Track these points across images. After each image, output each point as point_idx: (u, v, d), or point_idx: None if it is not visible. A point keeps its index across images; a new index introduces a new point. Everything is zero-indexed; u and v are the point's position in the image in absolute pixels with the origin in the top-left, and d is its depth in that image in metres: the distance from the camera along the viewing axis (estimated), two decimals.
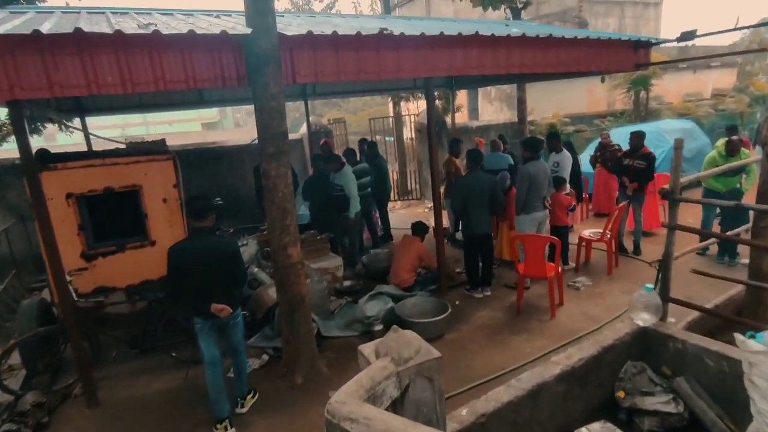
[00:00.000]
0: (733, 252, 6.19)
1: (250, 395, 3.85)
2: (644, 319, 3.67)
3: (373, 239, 7.79)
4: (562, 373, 3.09)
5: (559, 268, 5.01)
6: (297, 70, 4.05)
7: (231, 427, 3.49)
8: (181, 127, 30.80)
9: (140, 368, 4.45)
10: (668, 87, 18.05)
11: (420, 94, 12.81)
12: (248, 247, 6.17)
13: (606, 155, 8.33)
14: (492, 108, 16.47)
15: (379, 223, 8.39)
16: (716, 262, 6.25)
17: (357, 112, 31.73)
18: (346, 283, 6.06)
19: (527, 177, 5.38)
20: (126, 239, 4.49)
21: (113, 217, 4.42)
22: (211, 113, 34.45)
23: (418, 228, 5.89)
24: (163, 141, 4.69)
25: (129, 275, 4.46)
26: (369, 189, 7.50)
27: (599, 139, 8.98)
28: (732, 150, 6.06)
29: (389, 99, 17.83)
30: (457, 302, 5.47)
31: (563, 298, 5.23)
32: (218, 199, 7.51)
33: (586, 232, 6.41)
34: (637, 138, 6.61)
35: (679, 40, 6.27)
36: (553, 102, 15.16)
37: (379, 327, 4.68)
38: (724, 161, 6.16)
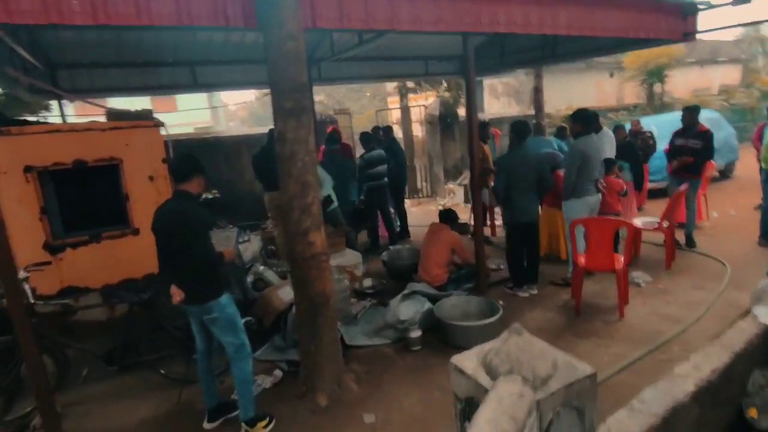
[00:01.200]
0: None
1: (263, 422, 2.97)
2: None
3: (390, 237, 6.94)
4: (697, 389, 2.28)
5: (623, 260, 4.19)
6: (318, 11, 3.24)
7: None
8: (174, 131, 29.83)
9: (120, 390, 3.56)
10: (676, 82, 17.51)
11: (428, 85, 12.12)
12: (251, 244, 5.31)
13: (637, 143, 7.61)
14: (499, 103, 15.78)
15: (396, 218, 7.56)
16: None
17: (355, 114, 30.98)
18: (367, 282, 5.21)
19: (579, 155, 4.58)
20: (102, 227, 3.61)
21: (86, 199, 3.55)
22: (204, 117, 33.60)
23: (447, 215, 5.06)
24: (149, 111, 3.85)
25: (105, 272, 3.58)
26: (385, 179, 6.67)
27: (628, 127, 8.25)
28: None
29: (389, 101, 17.14)
30: (501, 302, 4.62)
31: (627, 295, 4.42)
32: (215, 191, 6.65)
33: (637, 221, 5.61)
34: (691, 114, 5.85)
35: (735, 3, 5.56)
36: (563, 96, 14.51)
37: (416, 333, 3.82)
38: None
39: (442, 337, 3.91)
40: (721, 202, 8.11)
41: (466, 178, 10.38)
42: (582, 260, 4.21)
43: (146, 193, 3.60)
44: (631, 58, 14.69)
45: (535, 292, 4.81)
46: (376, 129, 7.43)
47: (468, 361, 1.48)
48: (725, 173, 10.49)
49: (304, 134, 2.99)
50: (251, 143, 8.15)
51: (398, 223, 7.57)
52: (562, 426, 1.32)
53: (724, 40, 21.87)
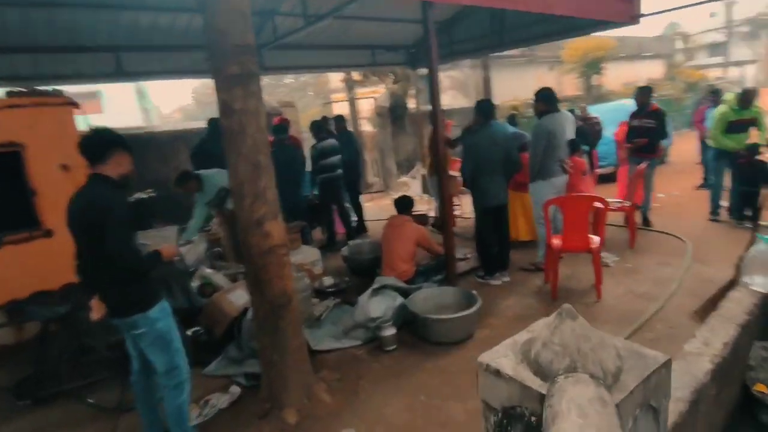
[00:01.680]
0: (756, 213, 5.59)
1: None
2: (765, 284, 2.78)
3: (347, 232, 6.53)
4: (714, 366, 2.07)
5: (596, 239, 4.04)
6: None
7: None
8: None
9: (38, 428, 2.91)
10: (609, 75, 18.34)
11: (376, 77, 11.80)
12: (195, 246, 4.71)
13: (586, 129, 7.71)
14: (446, 97, 15.76)
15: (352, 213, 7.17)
16: (736, 226, 5.64)
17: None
18: (328, 280, 4.77)
19: (545, 133, 4.40)
20: (3, 230, 2.94)
21: None
22: (134, 120, 31.38)
23: (403, 203, 4.73)
24: (59, 91, 3.20)
25: (10, 285, 2.92)
26: (339, 171, 6.25)
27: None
28: (746, 101, 5.50)
29: (334, 98, 16.67)
30: (474, 292, 4.37)
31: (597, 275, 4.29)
32: (150, 190, 5.93)
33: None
34: (643, 94, 5.91)
35: None
36: (506, 89, 14.72)
37: (390, 331, 3.45)
38: (737, 115, 5.59)
39: (419, 333, 3.57)
40: (663, 185, 8.39)
41: (419, 170, 10.17)
42: (557, 242, 4.02)
43: (59, 186, 2.95)
44: (569, 51, 15.16)
45: (508, 279, 4.59)
46: (325, 119, 6.98)
47: (504, 358, 1.12)
48: (661, 158, 10.99)
49: (253, 105, 2.53)
50: (189, 139, 7.43)
51: (354, 217, 7.17)
52: (641, 429, 0.99)
53: (648, 37, 23.31)
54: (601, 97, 15.62)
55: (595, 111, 10.13)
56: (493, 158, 4.25)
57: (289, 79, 33.41)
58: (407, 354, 3.39)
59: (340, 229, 6.67)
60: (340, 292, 4.59)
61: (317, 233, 6.94)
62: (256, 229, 2.62)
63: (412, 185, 9.78)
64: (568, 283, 4.40)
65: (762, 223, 5.59)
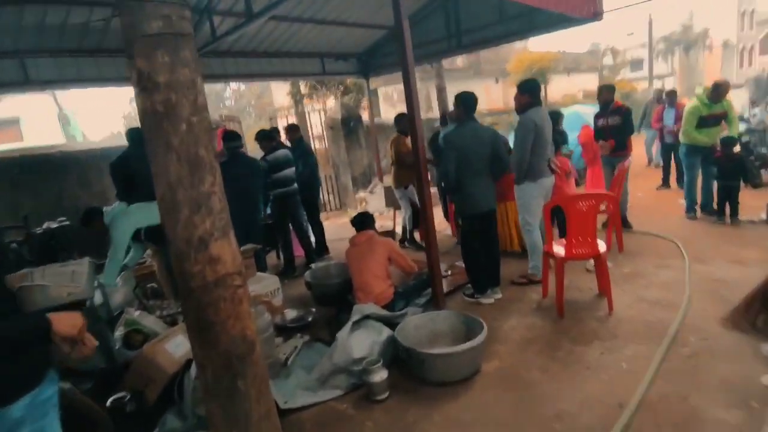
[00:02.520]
0: (735, 208, 5.41)
1: None
2: None
3: (307, 254, 5.74)
4: None
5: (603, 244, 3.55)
6: None
7: None
8: None
9: None
10: (550, 87, 18.89)
11: (326, 89, 11.17)
12: (120, 287, 3.77)
13: None
14: (395, 111, 15.41)
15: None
16: (718, 222, 5.44)
17: None
18: (291, 314, 3.98)
19: (532, 127, 3.93)
20: None
21: None
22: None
23: (362, 220, 4.10)
24: None
25: None
26: (294, 185, 5.50)
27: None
28: (718, 94, 5.36)
29: (280, 116, 15.90)
30: (477, 318, 3.75)
31: (606, 284, 3.81)
32: (63, 219, 4.88)
33: None
34: (607, 92, 5.65)
35: None
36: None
37: (381, 375, 2.71)
38: (709, 110, 5.44)
39: (414, 372, 2.87)
40: (644, 179, 8.40)
41: (377, 184, 9.57)
42: (562, 250, 3.48)
43: None
44: (515, 63, 15.37)
45: (500, 296, 4.01)
46: (275, 129, 6.23)
47: None
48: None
49: (186, 77, 1.78)
50: (113, 158, 6.40)
51: (314, 237, 6.41)
52: None
53: (582, 52, 24.48)
54: (550, 108, 15.92)
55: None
56: (479, 157, 3.70)
57: (228, 100, 32.18)
58: (405, 403, 2.67)
59: (298, 251, 5.88)
60: (306, 326, 3.81)
61: (271, 257, 6.11)
62: (198, 252, 1.84)
63: (371, 201, 9.14)
64: (568, 294, 3.87)
65: (742, 218, 5.45)
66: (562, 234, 4.85)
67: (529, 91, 4.06)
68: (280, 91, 17.17)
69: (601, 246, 3.43)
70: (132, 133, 4.67)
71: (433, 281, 3.86)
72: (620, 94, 19.41)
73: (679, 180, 7.78)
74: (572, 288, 4.00)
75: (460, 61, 15.88)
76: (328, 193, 10.25)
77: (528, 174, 4.04)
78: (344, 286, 4.10)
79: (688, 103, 5.79)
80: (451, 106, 9.29)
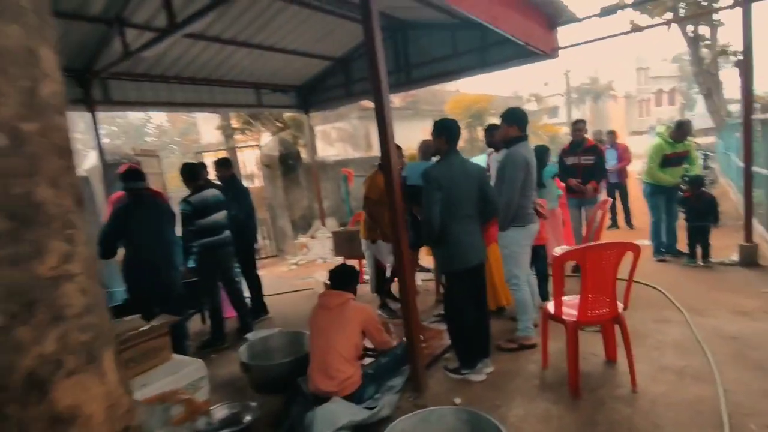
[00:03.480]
0: (707, 249, 5.17)
1: None
2: None
3: (241, 318, 4.65)
4: None
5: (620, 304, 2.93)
6: None
7: None
8: None
9: None
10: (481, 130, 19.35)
11: (261, 125, 10.20)
12: None
13: None
14: (334, 150, 14.76)
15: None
16: (689, 264, 5.15)
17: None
18: (220, 412, 2.90)
19: (523, 165, 3.33)
20: None
21: None
22: None
23: (343, 276, 3.17)
24: None
25: None
26: (227, 232, 4.48)
27: None
28: (682, 133, 5.20)
29: (207, 150, 14.65)
30: (457, 400, 2.91)
31: (615, 350, 3.18)
32: None
33: (557, 250, 4.64)
34: (580, 129, 5.36)
35: (601, 15, 5.37)
36: (398, 140, 14.32)
37: None
38: (672, 149, 5.25)
39: None
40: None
41: (318, 229, 8.66)
42: (573, 312, 2.80)
43: None
44: (453, 104, 15.44)
45: (491, 369, 3.23)
46: (201, 165, 5.19)
47: None
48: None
49: (14, 40, 0.87)
50: None
51: (249, 295, 5.34)
52: None
53: (510, 96, 25.73)
54: (482, 150, 16.11)
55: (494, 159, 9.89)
56: (469, 197, 3.00)
57: (150, 137, 29.94)
58: None
59: (229, 311, 4.79)
60: (245, 431, 2.76)
61: (196, 320, 4.94)
62: (25, 405, 0.87)
63: (314, 247, 8.19)
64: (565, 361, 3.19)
65: (713, 260, 5.21)
66: (542, 281, 4.27)
67: (517, 122, 3.49)
68: (208, 127, 15.92)
69: (620, 307, 2.80)
70: None
71: (413, 357, 3.01)
72: (547, 136, 20.46)
73: (627, 220, 7.70)
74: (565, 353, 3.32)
75: (398, 100, 15.74)
76: (263, 239, 9.14)
77: (516, 218, 3.41)
78: (294, 367, 3.12)
79: (651, 142, 5.61)
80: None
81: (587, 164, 5.22)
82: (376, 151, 13.21)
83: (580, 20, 5.52)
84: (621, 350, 3.00)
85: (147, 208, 3.66)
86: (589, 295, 2.70)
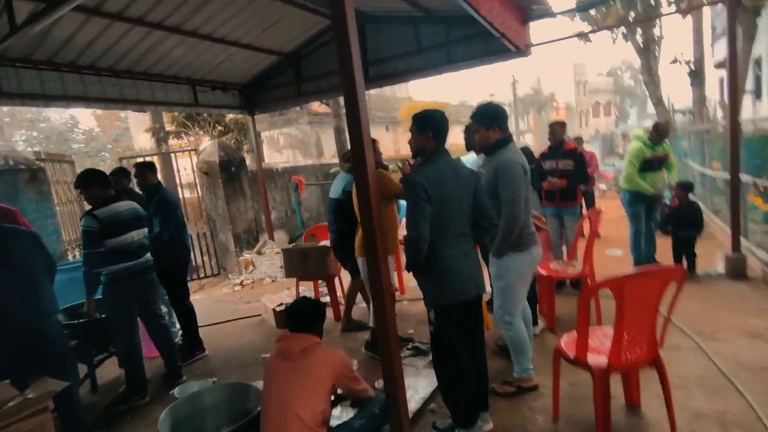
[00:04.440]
0: (693, 261, 4.82)
1: None
2: None
3: (167, 359, 3.71)
4: None
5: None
6: None
7: None
8: None
9: None
10: None
11: (198, 129, 9.09)
12: None
13: None
14: (282, 156, 13.78)
15: (172, 319, 4.40)
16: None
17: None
18: None
19: (521, 174, 2.70)
20: None
21: None
22: None
23: (306, 313, 2.39)
24: None
25: None
26: (147, 255, 3.55)
27: None
28: (659, 135, 4.86)
29: (135, 155, 13.34)
30: None
31: (639, 393, 2.61)
32: None
33: (554, 266, 4.10)
34: (560, 129, 4.88)
35: (577, 10, 4.96)
36: (343, 148, 13.63)
37: None
38: (652, 152, 4.90)
39: None
40: None
41: (266, 244, 7.75)
42: (602, 359, 2.18)
43: None
44: (405, 111, 14.99)
45: (491, 426, 2.56)
46: (120, 170, 4.22)
47: None
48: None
49: None
50: None
51: (177, 328, 4.41)
52: None
53: (459, 105, 25.79)
54: None
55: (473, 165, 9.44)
56: (462, 210, 2.32)
57: (77, 144, 27.37)
58: None
59: (151, 351, 3.85)
60: None
61: (108, 367, 3.93)
62: None
63: (260, 265, 7.26)
64: (578, 407, 2.59)
65: (698, 271, 4.89)
66: (532, 302, 3.67)
67: (498, 122, 2.84)
68: (141, 132, 14.47)
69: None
70: None
71: (395, 415, 2.27)
72: None
73: None
74: (577, 396, 2.73)
75: None
76: (201, 255, 8.08)
77: (519, 240, 2.75)
78: None
79: (630, 145, 5.24)
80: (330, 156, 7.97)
81: (566, 169, 4.75)
82: (328, 158, 12.42)
83: (554, 15, 5.08)
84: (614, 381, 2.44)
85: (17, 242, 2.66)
86: (625, 335, 2.09)
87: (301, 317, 2.33)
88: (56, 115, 28.42)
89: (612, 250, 6.60)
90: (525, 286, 2.93)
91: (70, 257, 5.18)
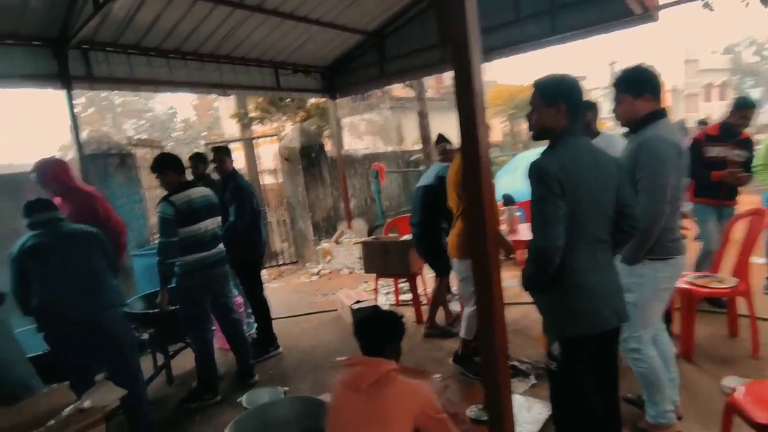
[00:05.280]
0: None
1: None
2: None
3: (239, 357, 3.50)
4: None
5: None
6: None
7: None
8: None
9: None
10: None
11: (281, 114, 9.08)
12: None
13: None
14: (362, 144, 13.56)
15: (244, 314, 4.20)
16: None
17: None
18: None
19: (673, 158, 2.02)
20: None
21: None
22: None
23: (379, 330, 1.89)
24: None
25: None
26: (220, 246, 3.32)
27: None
28: None
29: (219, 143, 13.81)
30: None
31: None
32: None
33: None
34: (746, 109, 3.70)
35: None
36: (435, 133, 13.07)
37: None
38: None
39: None
40: None
41: (344, 234, 7.49)
42: None
43: None
44: (493, 95, 14.06)
45: None
46: (198, 156, 4.07)
47: None
48: None
49: None
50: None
51: (250, 321, 4.22)
52: None
53: None
54: (528, 144, 14.63)
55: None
56: (603, 210, 1.73)
57: (176, 132, 29.53)
58: None
59: (223, 344, 3.67)
60: None
61: (183, 360, 3.79)
62: None
63: (338, 255, 7.02)
64: None
65: None
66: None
67: (650, 89, 2.18)
68: (229, 120, 15.03)
69: None
70: None
71: None
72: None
73: None
74: None
75: (432, 91, 14.43)
76: (281, 242, 8.04)
77: (656, 246, 2.08)
78: None
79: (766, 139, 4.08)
80: (434, 137, 7.37)
81: (736, 161, 3.69)
82: (408, 145, 11.96)
83: None
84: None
85: (60, 241, 2.50)
86: None
87: (372, 334, 1.88)
88: (159, 106, 30.89)
89: (755, 258, 5.44)
90: (661, 304, 2.26)
91: (153, 243, 5.22)
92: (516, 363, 3.21)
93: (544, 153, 1.75)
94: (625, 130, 2.35)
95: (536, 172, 1.64)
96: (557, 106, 1.74)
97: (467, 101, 1.64)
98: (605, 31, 4.89)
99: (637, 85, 2.20)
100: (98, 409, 1.90)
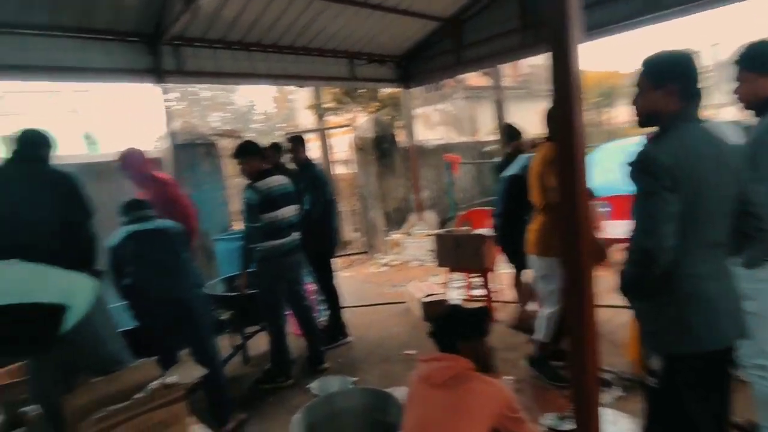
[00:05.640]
0: None
1: None
2: None
3: (310, 343, 3.56)
4: None
5: None
6: None
7: None
8: None
9: None
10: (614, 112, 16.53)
11: (355, 105, 9.20)
12: None
13: None
14: (435, 134, 13.36)
15: (315, 302, 4.27)
16: None
17: None
18: None
19: None
20: None
21: None
22: None
23: (457, 327, 1.82)
24: None
25: None
26: (295, 234, 3.38)
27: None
28: None
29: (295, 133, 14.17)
30: None
31: None
32: None
33: None
34: None
35: None
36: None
37: None
38: None
39: None
40: None
41: (415, 225, 7.41)
42: None
43: None
44: None
45: None
46: (273, 146, 4.18)
47: None
48: None
49: None
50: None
51: (321, 309, 4.27)
52: None
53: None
54: (614, 134, 13.56)
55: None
56: (722, 208, 1.49)
57: (256, 123, 31.05)
58: None
59: (296, 329, 3.75)
60: None
61: (257, 342, 3.94)
62: None
63: (409, 246, 6.96)
64: None
65: None
66: None
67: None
68: (304, 112, 15.50)
69: None
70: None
71: None
72: None
73: None
74: None
75: (508, 79, 13.83)
76: (353, 231, 8.15)
77: None
78: None
79: None
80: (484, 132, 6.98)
81: None
82: (482, 136, 11.58)
83: None
84: None
85: (147, 243, 2.65)
86: None
87: (449, 331, 1.80)
88: (240, 99, 32.59)
89: None
90: None
91: (235, 228, 5.50)
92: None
93: (652, 141, 1.53)
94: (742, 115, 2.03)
95: (643, 162, 1.43)
96: (665, 86, 1.51)
97: (564, 83, 1.51)
98: (708, 7, 4.32)
99: (764, 61, 1.89)
100: (182, 384, 1.99)
